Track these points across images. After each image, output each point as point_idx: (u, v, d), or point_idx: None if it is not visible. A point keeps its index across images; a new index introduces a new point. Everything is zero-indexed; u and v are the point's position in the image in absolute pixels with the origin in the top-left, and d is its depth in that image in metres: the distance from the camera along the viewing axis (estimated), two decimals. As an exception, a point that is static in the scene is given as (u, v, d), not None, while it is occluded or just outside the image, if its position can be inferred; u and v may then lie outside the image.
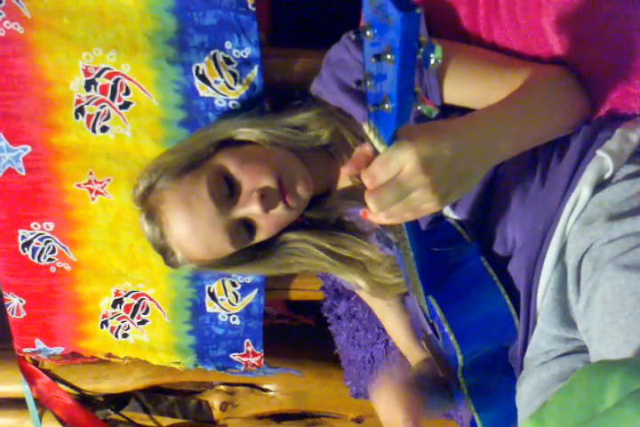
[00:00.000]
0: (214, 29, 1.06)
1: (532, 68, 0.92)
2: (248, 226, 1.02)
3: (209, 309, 1.32)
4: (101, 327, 1.36)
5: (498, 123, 0.79)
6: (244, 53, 1.08)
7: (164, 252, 1.05)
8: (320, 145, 1.07)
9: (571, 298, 0.88)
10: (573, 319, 0.89)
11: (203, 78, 1.10)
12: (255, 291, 1.30)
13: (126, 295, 1.32)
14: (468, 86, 0.95)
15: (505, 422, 1.00)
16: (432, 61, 0.56)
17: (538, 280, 0.90)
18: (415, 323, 1.13)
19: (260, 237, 1.04)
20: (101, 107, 1.13)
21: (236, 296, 1.31)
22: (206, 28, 1.06)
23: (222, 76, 1.10)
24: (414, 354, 1.19)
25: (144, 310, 1.33)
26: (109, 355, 1.41)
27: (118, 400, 1.51)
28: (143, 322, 1.35)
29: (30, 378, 1.45)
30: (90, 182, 1.20)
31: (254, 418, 1.52)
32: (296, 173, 1.01)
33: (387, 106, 0.60)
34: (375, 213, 0.71)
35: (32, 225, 1.25)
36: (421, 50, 0.56)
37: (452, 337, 0.92)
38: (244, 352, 1.38)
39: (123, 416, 1.50)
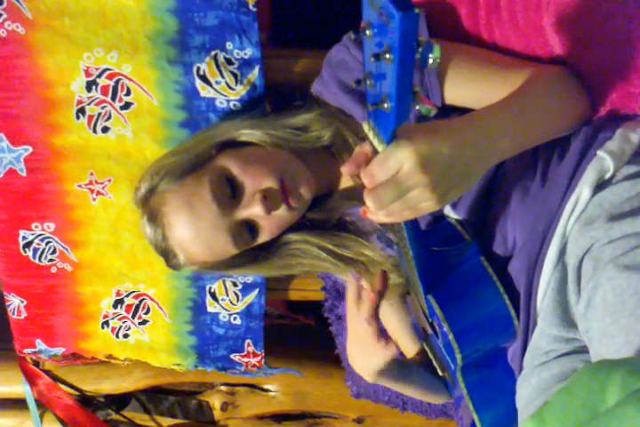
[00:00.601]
0: (215, 30, 1.06)
1: (532, 68, 0.93)
2: (251, 227, 1.02)
3: (210, 309, 1.32)
4: (102, 328, 1.36)
5: (497, 122, 0.79)
6: (245, 54, 1.08)
7: (167, 254, 1.05)
8: (321, 146, 1.07)
9: (571, 298, 0.88)
10: (574, 320, 0.89)
11: (204, 79, 1.10)
12: (256, 291, 1.30)
13: (127, 296, 1.32)
14: (469, 86, 0.95)
15: (505, 423, 0.99)
16: (430, 61, 0.57)
17: (538, 280, 0.90)
18: (416, 323, 1.13)
19: (263, 238, 1.04)
20: (102, 107, 1.14)
21: (237, 296, 1.31)
22: (207, 28, 1.06)
23: (223, 77, 1.10)
24: (415, 354, 1.19)
25: (145, 310, 1.33)
26: (110, 356, 1.41)
27: (119, 401, 1.50)
28: (144, 322, 1.35)
29: (31, 379, 1.44)
30: (91, 183, 1.20)
31: (255, 418, 1.52)
32: (298, 173, 1.02)
33: (386, 105, 0.60)
34: (374, 212, 0.71)
35: (33, 226, 1.25)
36: (420, 49, 0.56)
37: (450, 336, 0.92)
38: (245, 353, 1.38)
39: (123, 417, 1.50)
